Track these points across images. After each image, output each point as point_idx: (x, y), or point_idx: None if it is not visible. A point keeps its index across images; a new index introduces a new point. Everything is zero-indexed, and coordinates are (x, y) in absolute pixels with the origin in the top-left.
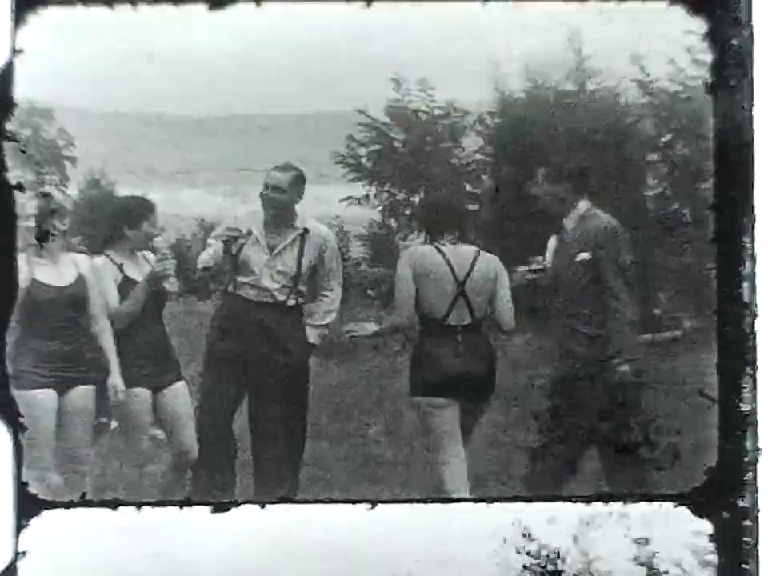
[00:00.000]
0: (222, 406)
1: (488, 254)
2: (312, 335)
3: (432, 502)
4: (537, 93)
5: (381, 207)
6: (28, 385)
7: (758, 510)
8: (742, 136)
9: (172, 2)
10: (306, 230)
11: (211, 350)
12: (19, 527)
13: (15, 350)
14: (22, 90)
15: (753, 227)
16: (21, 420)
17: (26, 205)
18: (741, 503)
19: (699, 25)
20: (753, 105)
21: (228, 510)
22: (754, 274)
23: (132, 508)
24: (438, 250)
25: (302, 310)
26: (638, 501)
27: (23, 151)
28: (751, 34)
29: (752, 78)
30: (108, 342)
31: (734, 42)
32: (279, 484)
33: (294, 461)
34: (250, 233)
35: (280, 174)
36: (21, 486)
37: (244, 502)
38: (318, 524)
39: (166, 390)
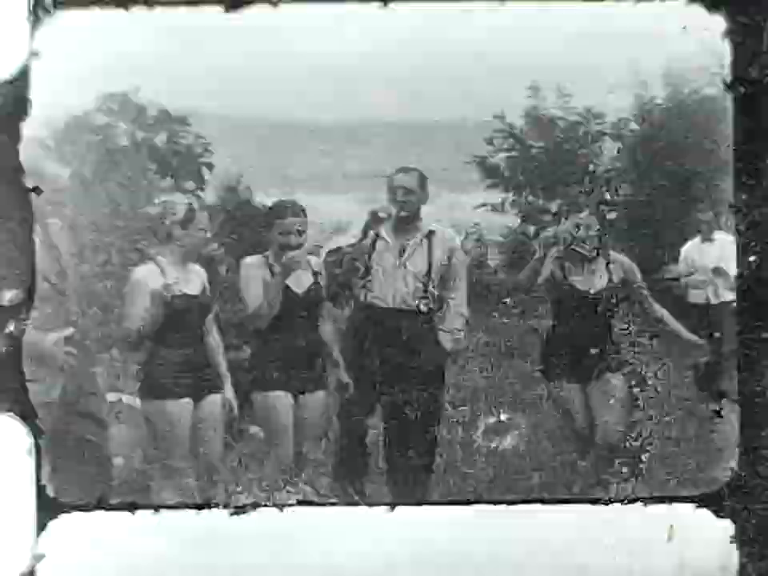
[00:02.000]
0: (358, 414)
1: None
2: (446, 340)
3: None
4: (677, 98)
5: (518, 214)
6: (164, 395)
7: None
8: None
9: (187, 4)
10: (432, 232)
11: (346, 358)
12: (38, 530)
13: (150, 360)
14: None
15: None
16: (38, 423)
17: (167, 210)
18: (764, 504)
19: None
20: None
21: (246, 512)
22: None
23: (150, 511)
24: None
25: (433, 315)
26: (658, 503)
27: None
28: None
29: None
30: (221, 354)
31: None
32: (412, 491)
33: (425, 468)
34: (375, 239)
35: (407, 176)
36: (40, 489)
37: (262, 505)
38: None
39: (307, 396)
